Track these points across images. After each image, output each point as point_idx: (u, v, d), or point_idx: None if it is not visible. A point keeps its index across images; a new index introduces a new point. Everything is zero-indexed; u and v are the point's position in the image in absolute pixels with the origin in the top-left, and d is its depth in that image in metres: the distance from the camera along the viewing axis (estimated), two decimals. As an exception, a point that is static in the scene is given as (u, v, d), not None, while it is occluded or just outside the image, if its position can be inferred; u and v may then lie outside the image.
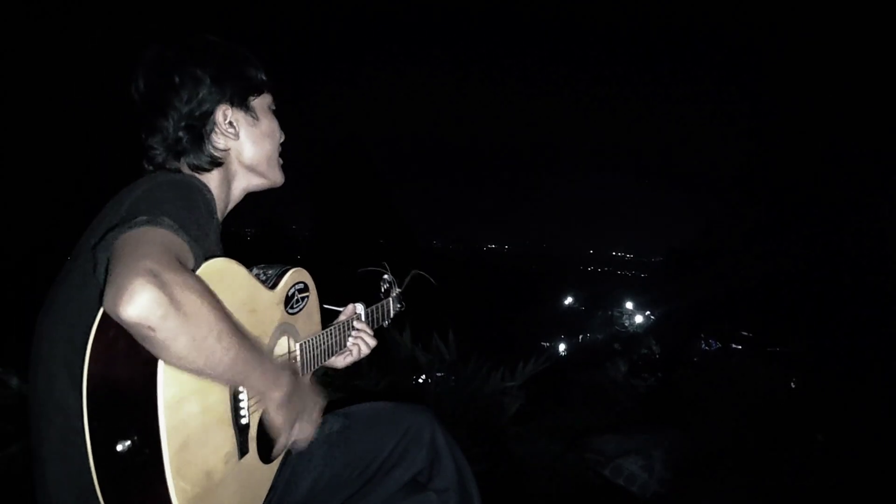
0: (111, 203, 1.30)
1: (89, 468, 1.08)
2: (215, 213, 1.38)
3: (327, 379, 3.82)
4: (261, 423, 1.35)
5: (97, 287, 1.14)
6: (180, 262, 1.08)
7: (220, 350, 1.08)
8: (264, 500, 1.43)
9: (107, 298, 1.01)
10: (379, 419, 1.78)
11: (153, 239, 1.09)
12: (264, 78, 1.61)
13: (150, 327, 0.99)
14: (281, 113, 1.65)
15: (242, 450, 1.29)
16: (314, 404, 1.43)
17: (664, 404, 7.67)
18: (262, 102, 1.60)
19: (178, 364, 1.05)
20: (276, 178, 1.65)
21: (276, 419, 1.30)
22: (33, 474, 1.29)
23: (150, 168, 1.50)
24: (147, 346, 1.03)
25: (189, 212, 1.25)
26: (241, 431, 1.28)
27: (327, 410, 1.78)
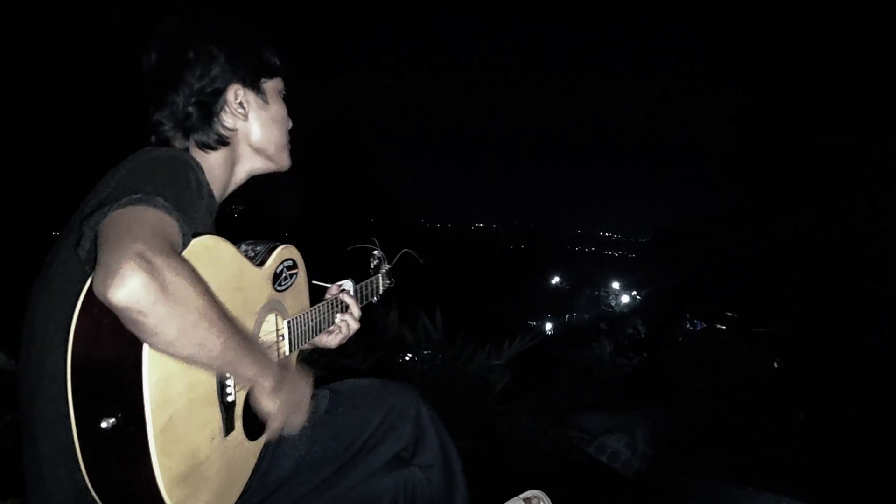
0: (103, 179, 1.28)
1: (74, 444, 1.08)
2: (207, 191, 1.37)
3: (314, 357, 3.83)
4: (247, 401, 1.34)
5: (83, 262, 1.13)
6: (172, 246, 1.07)
7: (209, 337, 1.07)
8: (249, 477, 1.43)
9: (96, 280, 0.99)
10: (364, 396, 1.78)
11: (145, 219, 1.07)
12: (278, 62, 1.60)
13: (140, 312, 0.98)
14: (289, 100, 1.64)
15: (228, 427, 1.29)
16: (304, 391, 1.42)
17: (649, 383, 7.75)
18: (273, 86, 1.59)
19: (166, 350, 1.05)
20: (284, 162, 1.65)
21: (268, 407, 1.30)
22: (24, 447, 1.28)
23: (156, 143, 1.48)
24: (135, 331, 1.02)
25: (180, 189, 1.23)
26: (227, 409, 1.28)
27: (314, 388, 1.80)
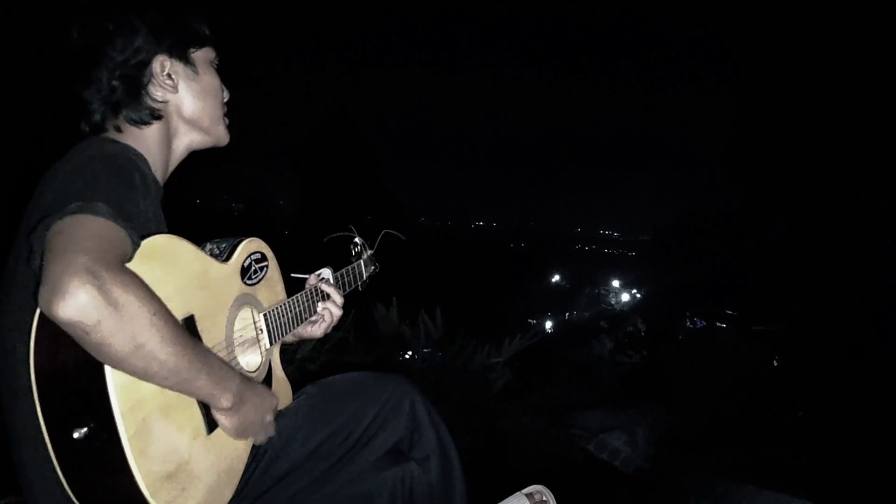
0: (46, 177, 1.25)
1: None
2: (154, 185, 1.33)
3: (314, 353, 3.83)
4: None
5: (36, 274, 1.07)
6: (119, 258, 1.03)
7: (161, 354, 1.03)
8: (243, 473, 1.42)
9: (42, 297, 0.96)
10: (359, 389, 1.76)
11: (89, 231, 1.03)
12: (207, 31, 1.55)
13: (85, 328, 0.96)
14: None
15: (210, 425, 1.26)
16: (268, 407, 1.38)
17: (649, 381, 7.76)
18: (203, 56, 1.54)
19: (116, 366, 1.02)
20: (220, 135, 1.60)
21: (226, 425, 1.27)
22: (10, 451, 1.27)
23: (87, 129, 1.44)
24: (84, 347, 0.99)
25: (125, 190, 1.19)
26: (207, 407, 1.24)
27: (309, 383, 1.79)
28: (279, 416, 1.60)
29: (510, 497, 1.97)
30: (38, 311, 1.05)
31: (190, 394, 1.18)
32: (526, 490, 1.99)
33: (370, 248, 2.04)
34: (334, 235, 2.01)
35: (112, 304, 0.97)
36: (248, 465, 1.44)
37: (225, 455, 1.31)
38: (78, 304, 0.94)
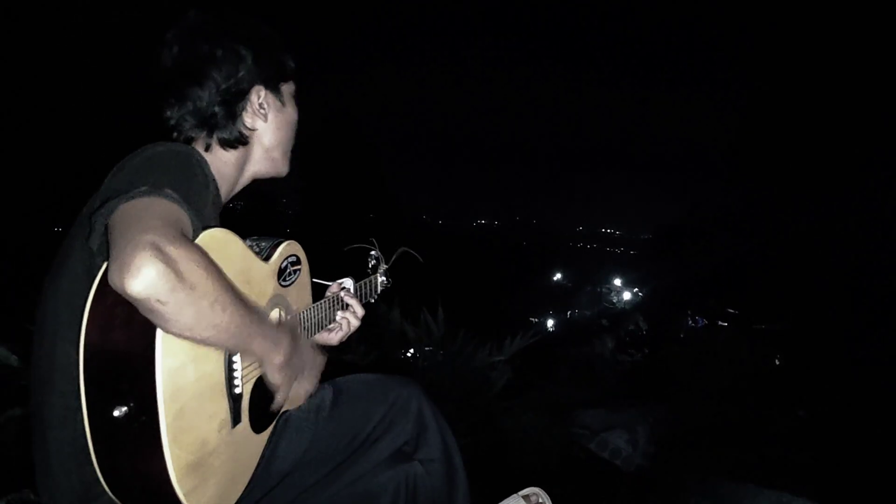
0: (114, 170, 1.30)
1: (85, 433, 1.09)
2: (212, 186, 1.39)
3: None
4: (253, 393, 1.36)
5: (93, 254, 1.16)
6: (183, 234, 1.08)
7: (224, 319, 1.09)
8: (254, 470, 1.44)
9: (111, 273, 1.00)
10: (366, 391, 1.79)
11: (155, 210, 1.09)
12: (293, 66, 1.62)
13: (157, 300, 0.99)
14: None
15: (235, 419, 1.30)
16: (313, 363, 1.48)
17: (650, 380, 7.76)
18: (289, 89, 1.62)
19: (183, 334, 1.06)
20: (284, 168, 1.68)
21: (276, 379, 1.32)
22: (33, 437, 1.30)
23: (179, 139, 1.50)
24: (153, 319, 1.03)
25: (188, 182, 1.25)
26: (235, 401, 1.29)
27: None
28: (288, 416, 1.63)
29: (507, 499, 1.98)
30: (93, 289, 1.10)
31: (246, 353, 1.25)
32: (523, 492, 2.00)
33: (385, 263, 2.06)
34: (355, 246, 2.03)
35: (179, 275, 1.01)
36: (258, 462, 1.47)
37: (242, 451, 1.35)
38: (148, 278, 0.98)
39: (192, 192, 1.24)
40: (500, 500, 1.98)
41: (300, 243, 1.61)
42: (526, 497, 1.97)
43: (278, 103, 1.58)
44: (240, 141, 1.52)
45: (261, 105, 1.53)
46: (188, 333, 1.06)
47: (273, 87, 1.56)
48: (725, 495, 3.34)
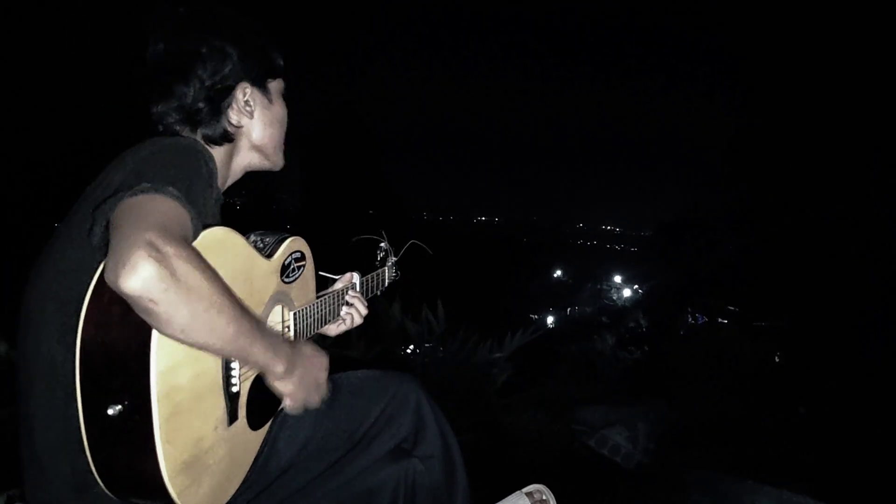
0: (113, 164, 1.29)
1: (79, 429, 1.09)
2: (216, 182, 1.38)
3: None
4: (251, 391, 1.35)
5: (90, 250, 1.14)
6: (182, 235, 1.08)
7: (220, 324, 1.08)
8: (251, 466, 1.44)
9: (108, 269, 1.00)
10: (365, 387, 1.79)
11: (156, 209, 1.08)
12: (282, 63, 1.62)
13: (151, 300, 0.99)
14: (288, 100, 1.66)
15: (232, 417, 1.30)
16: (319, 372, 1.44)
17: (650, 377, 7.76)
18: (277, 86, 1.62)
19: (178, 337, 1.05)
20: (279, 162, 1.68)
21: (281, 390, 1.32)
22: (20, 434, 1.29)
23: (161, 132, 1.49)
24: (147, 319, 1.03)
25: (192, 179, 1.25)
26: (232, 399, 1.28)
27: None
28: (285, 414, 1.62)
29: (510, 496, 1.98)
30: (92, 285, 1.10)
31: (245, 361, 1.24)
32: (526, 489, 1.99)
33: (394, 256, 2.05)
34: (363, 237, 2.03)
35: (174, 276, 1.00)
36: (255, 459, 1.47)
37: (239, 448, 1.35)
38: (143, 277, 0.97)
39: (196, 188, 1.24)
40: (502, 497, 1.98)
41: (302, 237, 1.60)
42: (529, 494, 1.97)
43: (265, 100, 1.58)
44: (225, 138, 1.51)
45: (246, 102, 1.53)
46: (182, 336, 1.05)
47: (259, 85, 1.55)
48: (725, 492, 3.34)
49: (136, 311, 1.02)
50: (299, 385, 1.34)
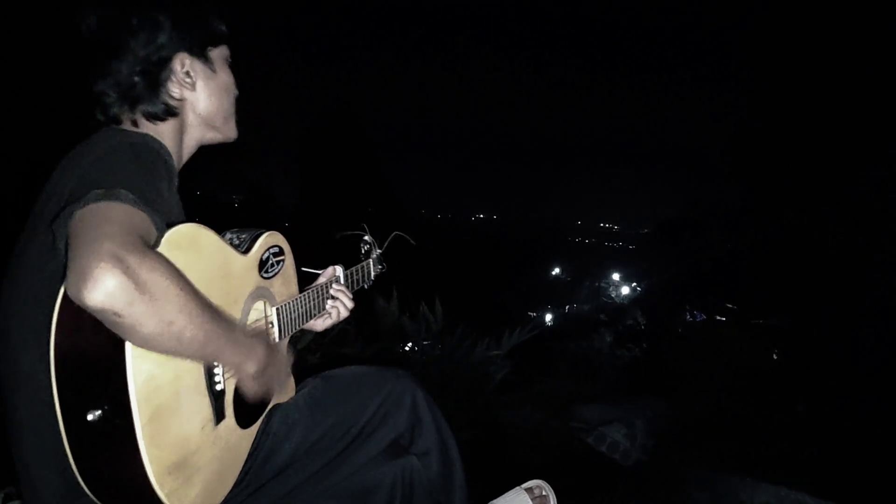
0: (64, 164, 1.25)
1: (62, 438, 1.07)
2: (175, 176, 1.34)
3: (312, 346, 3.83)
4: (237, 388, 1.33)
5: (59, 260, 1.09)
6: (143, 241, 1.03)
7: (190, 330, 1.04)
8: (244, 465, 1.43)
9: (69, 284, 0.96)
10: (360, 383, 1.76)
11: (112, 216, 1.03)
12: (224, 30, 1.55)
13: (115, 313, 0.96)
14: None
15: (219, 416, 1.27)
16: (287, 371, 1.43)
17: (648, 374, 7.78)
18: (220, 54, 1.54)
19: (147, 346, 1.03)
20: (231, 133, 1.61)
21: (251, 389, 1.29)
22: (10, 438, 1.26)
23: (103, 118, 1.42)
24: (114, 331, 1.00)
25: (148, 179, 1.20)
26: (217, 397, 1.26)
27: (310, 376, 1.79)
28: (281, 408, 1.61)
29: (510, 492, 1.97)
30: (61, 294, 1.06)
31: (219, 362, 1.22)
32: (526, 485, 1.98)
33: (379, 248, 2.04)
34: (347, 233, 2.01)
35: (140, 286, 0.96)
36: (248, 458, 1.45)
37: (229, 447, 1.33)
38: (106, 289, 0.94)
39: (152, 188, 1.18)
40: (500, 494, 1.98)
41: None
42: (529, 490, 1.97)
43: (207, 70, 1.49)
44: (168, 112, 1.43)
45: (186, 73, 1.45)
46: (151, 345, 1.03)
47: (199, 54, 1.47)
48: (723, 489, 3.35)
49: (104, 322, 0.99)
50: (269, 385, 1.33)
